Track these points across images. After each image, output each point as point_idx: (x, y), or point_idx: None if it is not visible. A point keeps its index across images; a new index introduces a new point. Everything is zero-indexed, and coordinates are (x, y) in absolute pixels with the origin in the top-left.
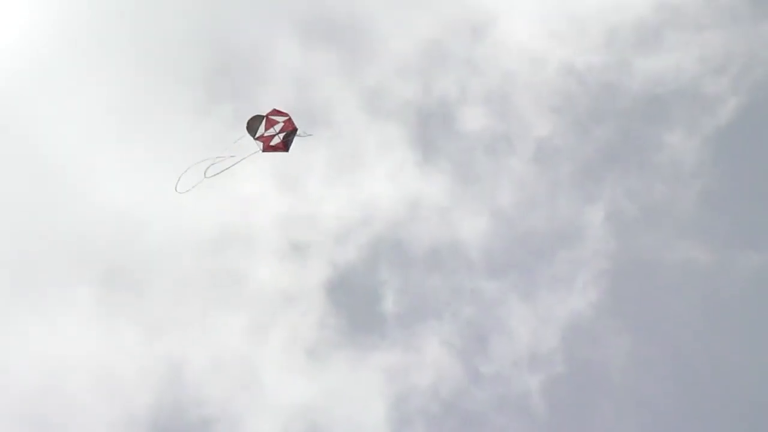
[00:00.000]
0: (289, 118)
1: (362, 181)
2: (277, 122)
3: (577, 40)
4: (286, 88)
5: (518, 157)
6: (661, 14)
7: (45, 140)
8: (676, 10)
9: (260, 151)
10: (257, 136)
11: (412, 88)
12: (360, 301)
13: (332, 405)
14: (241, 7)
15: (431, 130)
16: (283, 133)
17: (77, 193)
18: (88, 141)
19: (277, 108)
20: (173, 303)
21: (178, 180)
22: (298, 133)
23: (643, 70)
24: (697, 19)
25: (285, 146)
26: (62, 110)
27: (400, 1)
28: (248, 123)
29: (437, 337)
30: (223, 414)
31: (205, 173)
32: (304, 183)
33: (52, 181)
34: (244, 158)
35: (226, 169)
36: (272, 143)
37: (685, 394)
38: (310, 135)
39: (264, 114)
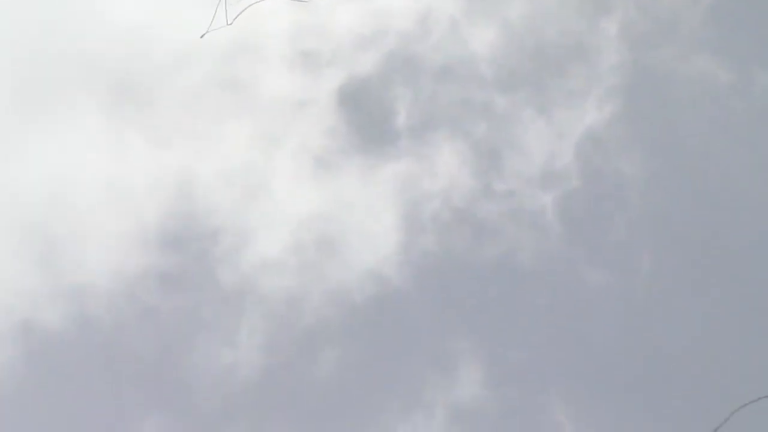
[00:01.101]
0: None
1: None
2: None
3: None
4: None
5: None
6: None
7: None
8: None
9: None
10: None
11: None
12: (372, 112)
13: (343, 213)
14: None
15: None
16: None
17: (85, 8)
18: None
19: None
20: (182, 113)
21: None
22: None
23: None
24: None
25: None
26: None
27: None
28: None
29: (450, 151)
30: (232, 224)
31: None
32: None
33: None
34: None
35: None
36: None
37: (697, 207)
38: None
39: None
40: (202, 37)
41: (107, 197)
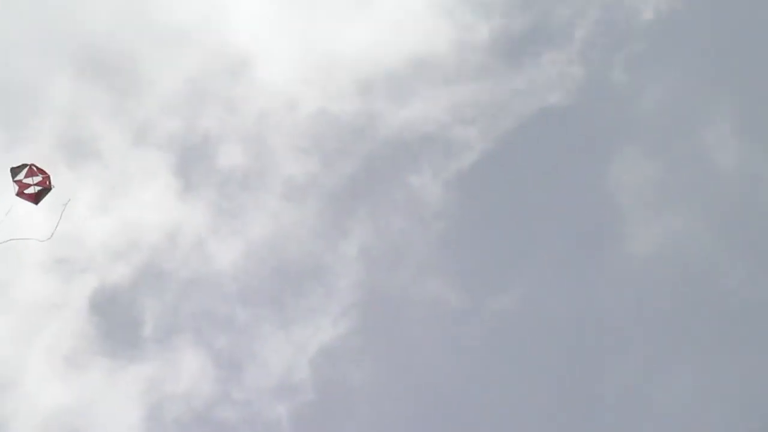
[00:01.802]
0: (47, 177)
1: (127, 208)
2: (38, 175)
3: (330, 86)
4: (58, 120)
5: (272, 193)
6: (414, 67)
7: None
8: (428, 64)
9: (15, 194)
10: (16, 179)
11: (176, 124)
12: (121, 318)
13: (90, 410)
14: (16, 41)
15: (193, 163)
16: (39, 187)
17: None
18: None
19: (39, 165)
20: None
21: None
22: (52, 192)
23: (394, 117)
24: (448, 73)
25: (36, 199)
26: None
27: (167, 41)
28: (13, 168)
29: (193, 359)
30: None
31: None
32: (72, 208)
33: None
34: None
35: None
36: (26, 191)
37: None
38: (68, 200)
39: (28, 164)
40: None
41: None
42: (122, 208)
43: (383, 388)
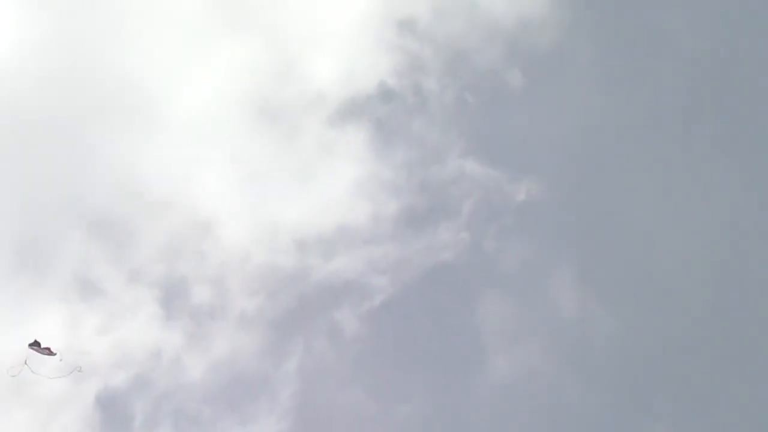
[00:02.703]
0: (50, 348)
1: (123, 331)
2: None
3: (275, 244)
4: (72, 264)
5: (230, 322)
6: (340, 232)
7: None
8: (350, 230)
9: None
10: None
11: (160, 269)
12: (118, 413)
13: None
14: (41, 206)
15: (172, 298)
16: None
17: None
18: None
19: (41, 343)
20: None
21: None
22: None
23: (323, 268)
24: (365, 237)
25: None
26: None
27: (153, 207)
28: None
29: None
30: None
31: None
32: (81, 329)
33: None
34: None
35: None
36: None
37: None
38: (80, 369)
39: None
40: None
41: None
42: (120, 330)
43: None
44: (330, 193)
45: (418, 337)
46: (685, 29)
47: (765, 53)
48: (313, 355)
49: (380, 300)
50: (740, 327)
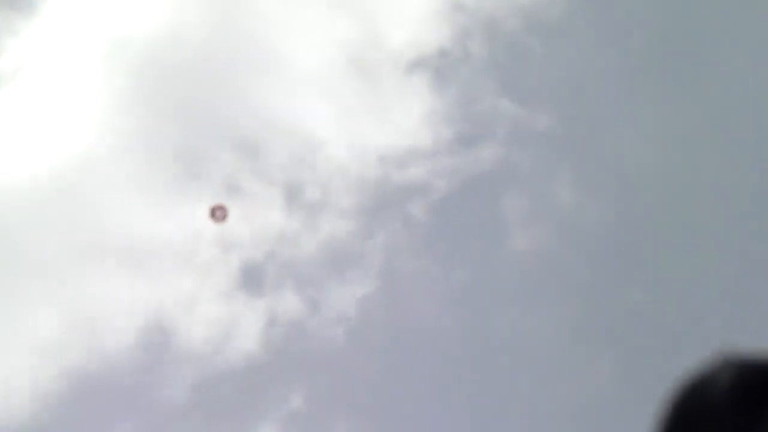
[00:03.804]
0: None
1: None
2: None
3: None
4: None
5: (333, 214)
6: (413, 151)
7: None
8: (419, 149)
9: None
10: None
11: (283, 177)
12: None
13: None
14: None
15: (294, 199)
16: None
17: None
18: None
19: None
20: None
21: None
22: None
23: (401, 175)
24: (427, 153)
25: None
26: None
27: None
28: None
29: None
30: None
31: None
32: None
33: None
34: None
35: None
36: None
37: None
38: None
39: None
40: None
41: None
42: (256, 221)
43: None
44: (404, 122)
45: (457, 221)
46: None
47: None
48: (396, 235)
49: (438, 197)
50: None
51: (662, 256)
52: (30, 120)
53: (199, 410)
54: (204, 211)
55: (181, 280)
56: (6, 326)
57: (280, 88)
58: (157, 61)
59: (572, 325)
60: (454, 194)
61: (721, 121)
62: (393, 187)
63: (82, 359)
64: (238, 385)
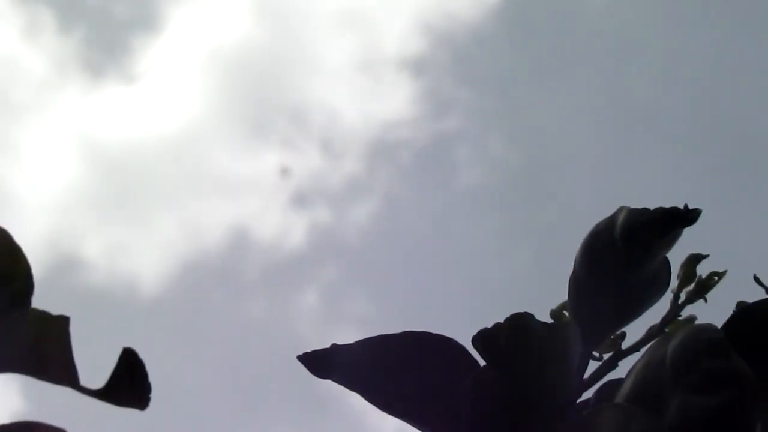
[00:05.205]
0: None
1: None
2: None
3: None
4: None
5: None
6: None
7: None
8: None
9: None
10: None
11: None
12: None
13: None
14: None
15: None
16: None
17: None
18: None
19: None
20: None
21: None
22: None
23: None
24: None
25: None
26: None
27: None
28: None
29: None
30: None
31: None
32: None
33: None
34: None
35: None
36: None
37: None
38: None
39: None
40: None
41: None
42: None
43: None
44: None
45: (430, 166)
46: None
47: None
48: (391, 173)
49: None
50: None
51: None
52: (157, 99)
53: (266, 284)
54: (274, 163)
55: (254, 201)
56: (142, 231)
57: (315, 82)
58: (239, 61)
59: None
60: (427, 148)
61: None
62: (388, 142)
63: (191, 252)
64: (290, 268)
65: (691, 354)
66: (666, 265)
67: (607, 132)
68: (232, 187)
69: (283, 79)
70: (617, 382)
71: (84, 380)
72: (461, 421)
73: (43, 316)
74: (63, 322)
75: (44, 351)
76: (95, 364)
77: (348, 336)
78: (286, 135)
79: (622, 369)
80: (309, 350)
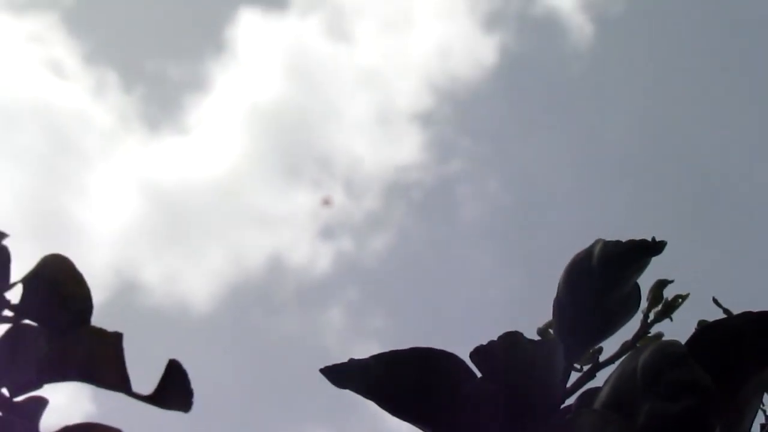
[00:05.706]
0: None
1: None
2: None
3: None
4: None
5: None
6: None
7: None
8: None
9: None
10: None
11: None
12: None
13: None
14: None
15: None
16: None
17: None
18: None
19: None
20: None
21: None
22: None
23: None
24: None
25: None
26: None
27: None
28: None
29: None
30: None
31: None
32: None
33: None
34: None
35: None
36: None
37: None
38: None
39: None
40: None
41: None
42: None
43: None
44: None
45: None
46: None
47: None
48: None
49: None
50: None
51: None
52: (205, 148)
53: (298, 303)
54: (313, 198)
55: (289, 233)
56: (192, 260)
57: (339, 132)
58: (274, 115)
59: None
60: (434, 188)
61: None
62: (402, 183)
63: (234, 277)
64: (319, 290)
65: (659, 366)
66: (636, 289)
67: (586, 175)
68: (269, 221)
69: (311, 130)
70: (595, 391)
71: (141, 387)
72: (461, 425)
73: (101, 332)
74: (117, 337)
75: (100, 362)
76: (152, 374)
77: (368, 347)
78: (315, 177)
79: (600, 379)
80: (330, 363)
